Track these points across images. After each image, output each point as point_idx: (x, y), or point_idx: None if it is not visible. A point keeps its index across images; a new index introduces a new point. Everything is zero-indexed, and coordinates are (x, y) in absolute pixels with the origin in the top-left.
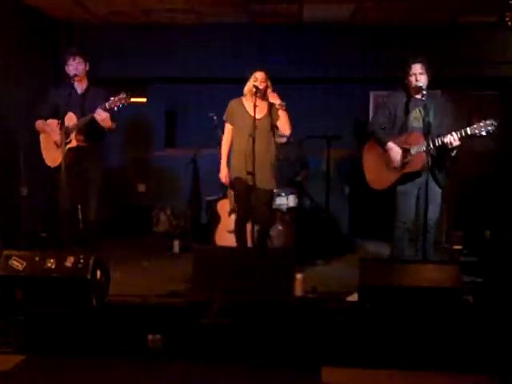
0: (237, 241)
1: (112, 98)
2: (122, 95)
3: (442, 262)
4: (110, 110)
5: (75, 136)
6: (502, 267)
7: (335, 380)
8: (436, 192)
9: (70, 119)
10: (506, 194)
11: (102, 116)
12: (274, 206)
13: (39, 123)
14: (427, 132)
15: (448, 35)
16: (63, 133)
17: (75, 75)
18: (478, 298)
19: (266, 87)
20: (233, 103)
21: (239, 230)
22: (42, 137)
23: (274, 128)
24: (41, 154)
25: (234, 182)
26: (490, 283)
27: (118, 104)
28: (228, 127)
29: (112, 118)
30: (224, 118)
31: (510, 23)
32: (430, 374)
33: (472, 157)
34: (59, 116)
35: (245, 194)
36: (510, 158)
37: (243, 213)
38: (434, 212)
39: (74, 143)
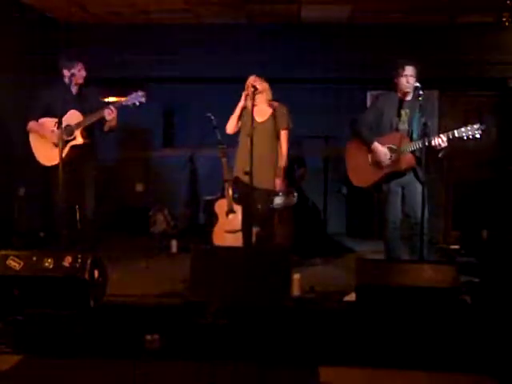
0: (243, 239)
1: (129, 96)
2: (140, 93)
3: (440, 262)
4: (123, 107)
5: (81, 133)
6: (499, 267)
7: (333, 379)
8: (423, 192)
9: (73, 117)
10: (504, 194)
11: (112, 114)
12: (272, 206)
13: (33, 124)
14: (416, 133)
15: (445, 36)
16: (62, 131)
17: (73, 75)
18: (475, 298)
19: (261, 85)
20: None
21: (244, 229)
22: (32, 137)
23: (277, 128)
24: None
25: (237, 182)
26: (488, 283)
27: (135, 101)
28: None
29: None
30: None
31: (507, 23)
32: (426, 373)
33: (469, 158)
34: (51, 115)
35: (246, 194)
36: (507, 159)
37: (246, 212)
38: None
39: (79, 140)
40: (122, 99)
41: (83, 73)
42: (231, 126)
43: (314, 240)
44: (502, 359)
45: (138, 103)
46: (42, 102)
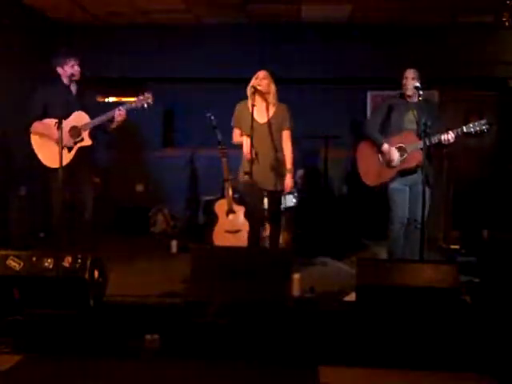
0: (248, 241)
1: (137, 98)
2: (147, 95)
3: (440, 262)
4: (133, 109)
5: (88, 134)
6: (499, 267)
7: (332, 379)
8: (426, 191)
9: (79, 118)
10: (504, 193)
11: (122, 115)
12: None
13: (38, 125)
14: (422, 132)
15: (446, 35)
16: (61, 132)
17: (72, 75)
18: (475, 298)
19: (268, 86)
20: (239, 108)
21: (253, 232)
22: (35, 138)
23: (279, 128)
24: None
25: (244, 185)
26: (488, 283)
27: (143, 103)
28: (236, 132)
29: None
30: (232, 123)
31: (507, 23)
32: (426, 373)
33: (470, 157)
34: (51, 116)
35: (253, 196)
36: (507, 158)
37: (252, 213)
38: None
39: (88, 142)
40: (132, 101)
41: (77, 68)
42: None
43: (314, 240)
44: (502, 359)
45: (146, 105)
46: (39, 103)
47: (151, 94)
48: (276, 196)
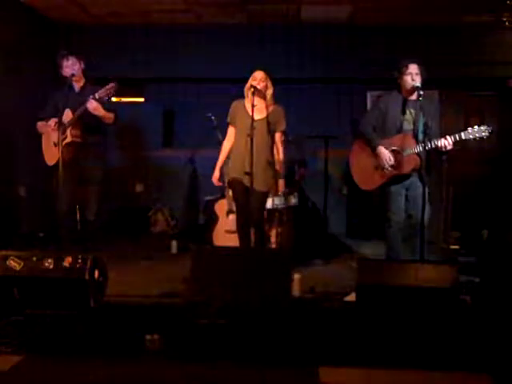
0: (240, 242)
1: (102, 89)
2: (111, 84)
3: (440, 262)
4: (101, 100)
5: (70, 131)
6: (499, 267)
7: (333, 380)
8: (424, 193)
9: (67, 116)
10: (504, 194)
11: (92, 105)
12: (272, 206)
13: (40, 124)
14: (422, 134)
15: (446, 36)
16: (60, 130)
17: (73, 75)
18: (475, 298)
19: (266, 87)
20: (235, 105)
21: (240, 231)
22: (43, 137)
23: (273, 129)
24: (39, 154)
25: (232, 183)
26: (488, 283)
27: (108, 93)
28: (231, 130)
29: (106, 108)
30: (227, 120)
31: (507, 23)
32: (426, 372)
33: (470, 157)
34: (55, 115)
35: (243, 195)
36: (507, 158)
37: (242, 214)
38: (424, 212)
39: (69, 138)
40: (99, 91)
41: (76, 67)
42: (216, 176)
43: (315, 240)
44: (501, 359)
45: (112, 94)
46: (49, 104)
47: (114, 83)
48: (262, 197)
